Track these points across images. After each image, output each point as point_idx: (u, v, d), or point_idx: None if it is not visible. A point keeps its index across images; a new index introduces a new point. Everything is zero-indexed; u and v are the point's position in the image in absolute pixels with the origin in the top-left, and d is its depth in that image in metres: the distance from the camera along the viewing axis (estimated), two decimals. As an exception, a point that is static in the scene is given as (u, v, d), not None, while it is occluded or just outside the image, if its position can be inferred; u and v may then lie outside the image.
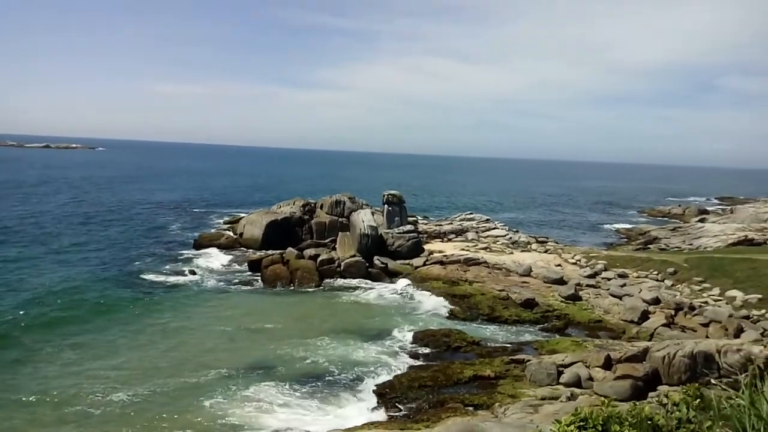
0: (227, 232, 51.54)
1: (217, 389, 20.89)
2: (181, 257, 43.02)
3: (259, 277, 37.67)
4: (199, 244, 46.99)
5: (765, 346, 23.97)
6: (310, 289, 36.09)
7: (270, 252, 41.61)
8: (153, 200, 77.49)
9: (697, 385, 3.96)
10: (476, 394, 20.94)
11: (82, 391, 20.29)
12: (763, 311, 29.07)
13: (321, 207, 49.67)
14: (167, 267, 39.68)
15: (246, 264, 40.62)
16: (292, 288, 36.31)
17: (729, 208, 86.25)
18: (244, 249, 45.82)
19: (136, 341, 25.77)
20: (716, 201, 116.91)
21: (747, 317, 28.75)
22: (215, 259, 43.00)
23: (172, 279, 36.69)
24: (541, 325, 30.10)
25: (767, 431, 3.16)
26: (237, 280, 37.27)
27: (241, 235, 47.90)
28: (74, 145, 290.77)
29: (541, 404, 18.82)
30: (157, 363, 23.28)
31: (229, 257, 43.55)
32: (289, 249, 41.08)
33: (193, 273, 38.25)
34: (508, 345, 26.75)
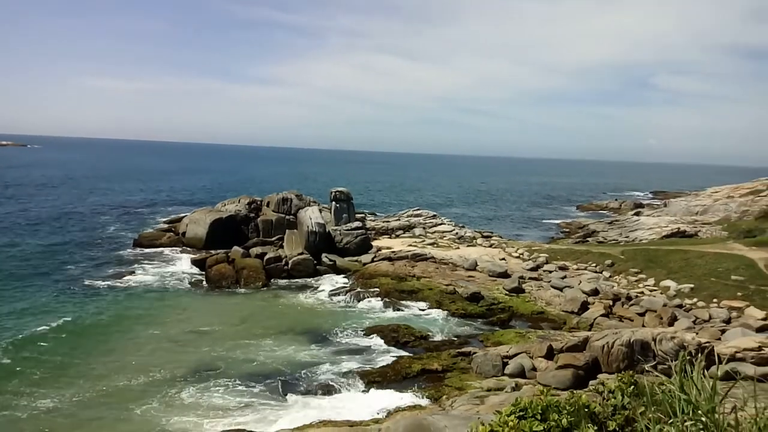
0: (169, 232, 50.06)
1: (153, 395, 20.22)
2: (120, 258, 41.52)
3: (204, 277, 36.82)
4: (140, 244, 45.52)
5: (697, 334, 25.24)
6: (256, 289, 35.53)
7: (214, 251, 40.74)
8: (91, 200, 74.48)
9: (631, 372, 4.10)
10: (424, 387, 21.16)
11: (7, 397, 19.32)
12: (695, 300, 30.60)
13: (267, 205, 48.97)
14: (105, 269, 38.21)
15: (190, 263, 39.63)
16: (238, 288, 35.65)
17: (662, 201, 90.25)
18: (188, 249, 44.66)
19: (70, 346, 24.68)
20: (650, 195, 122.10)
21: (680, 306, 30.19)
22: (157, 258, 41.74)
23: (110, 281, 35.34)
24: (487, 318, 30.68)
25: (696, 414, 3.29)
26: (179, 281, 36.28)
27: (183, 234, 46.64)
28: (4, 143, 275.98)
29: (486, 395, 19.19)
30: (91, 368, 22.41)
31: (172, 256, 42.35)
32: (235, 248, 40.31)
33: (132, 274, 36.99)
34: (455, 338, 27.14)
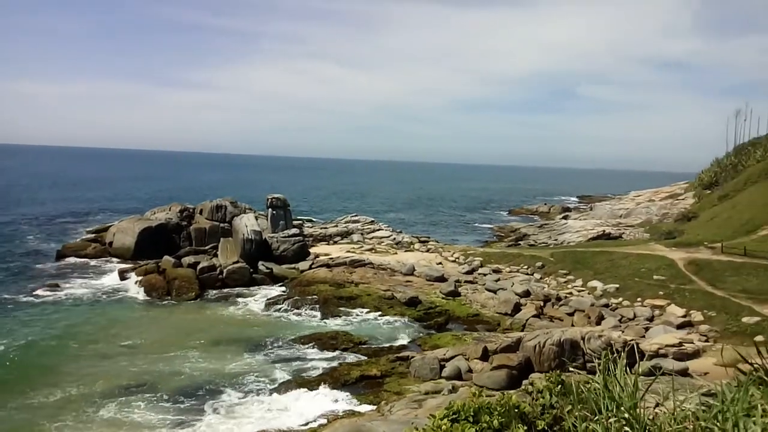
0: (95, 242, 47.78)
1: (69, 412, 19.16)
2: (42, 271, 39.31)
3: (132, 289, 35.36)
4: (63, 256, 43.25)
5: (623, 332, 26.44)
6: (189, 299, 34.42)
7: (144, 262, 39.24)
8: (11, 210, 70.07)
9: (558, 372, 4.22)
10: (363, 394, 21.11)
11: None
12: (620, 299, 32.06)
13: (200, 212, 47.65)
14: (25, 283, 36.05)
15: (118, 275, 37.99)
16: (170, 299, 34.45)
17: (589, 205, 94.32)
18: (115, 259, 42.80)
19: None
20: (577, 199, 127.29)
21: (606, 305, 31.55)
22: (82, 271, 39.76)
23: (30, 295, 33.36)
24: (424, 322, 30.98)
25: (619, 411, 3.41)
26: (106, 293, 34.68)
27: (110, 244, 44.68)
28: None
29: (425, 399, 19.34)
30: (6, 384, 21.08)
31: (98, 268, 40.47)
32: (166, 257, 38.96)
33: (54, 287, 35.05)
34: (394, 343, 27.24)
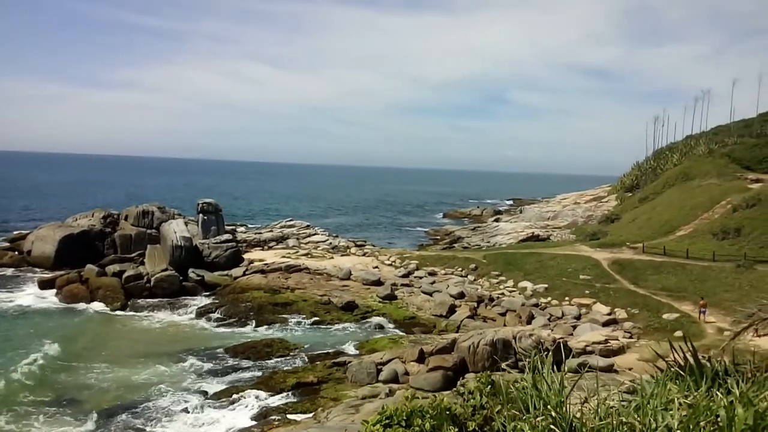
0: (11, 251, 44.94)
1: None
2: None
3: (53, 299, 33.49)
4: (-26, 266, 40.40)
5: (552, 330, 27.35)
6: (114, 310, 32.84)
7: (65, 271, 37.24)
8: None
9: (488, 372, 4.27)
10: (300, 401, 20.80)
11: None
12: (549, 299, 33.17)
13: (126, 218, 45.77)
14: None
15: (37, 285, 35.87)
16: (93, 309, 32.78)
17: (519, 208, 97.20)
18: (34, 269, 40.40)
19: None
20: (508, 202, 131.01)
21: (536, 305, 32.56)
22: (-5, 282, 37.29)
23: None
24: (361, 326, 30.94)
25: (546, 409, 3.48)
26: (23, 304, 32.61)
27: (28, 252, 42.16)
28: None
29: (362, 404, 19.27)
30: None
31: (15, 278, 38.08)
32: (89, 266, 37.16)
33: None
34: (331, 349, 27.03)
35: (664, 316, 28.47)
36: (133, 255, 41.48)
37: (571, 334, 27.60)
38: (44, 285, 35.63)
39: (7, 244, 48.42)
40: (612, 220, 57.29)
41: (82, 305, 33.01)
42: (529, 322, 29.98)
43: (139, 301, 34.40)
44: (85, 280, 35.52)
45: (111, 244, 43.07)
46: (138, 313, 32.51)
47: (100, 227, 44.07)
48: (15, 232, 54.61)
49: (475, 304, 33.20)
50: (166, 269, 37.31)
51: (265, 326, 30.36)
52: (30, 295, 34.34)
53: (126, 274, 35.98)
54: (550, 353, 4.06)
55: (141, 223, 44.64)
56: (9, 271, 39.82)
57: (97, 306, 33.09)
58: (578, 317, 30.50)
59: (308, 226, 56.58)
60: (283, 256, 44.10)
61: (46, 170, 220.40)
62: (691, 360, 4.00)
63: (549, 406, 3.45)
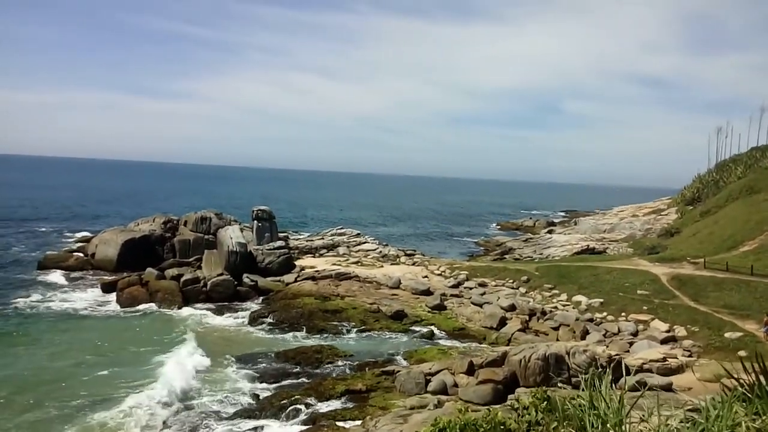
0: (77, 253, 47.21)
1: (65, 423, 18.87)
2: (24, 281, 38.70)
3: (114, 301, 34.92)
4: (44, 266, 42.61)
5: (607, 346, 26.54)
6: (172, 312, 34.00)
7: (126, 274, 38.77)
8: (-13, 219, 68.98)
9: (544, 388, 4.22)
10: (348, 408, 20.92)
11: None
12: (605, 314, 32.21)
13: (185, 224, 47.30)
14: (7, 292, 35.43)
15: (100, 287, 37.50)
16: (152, 311, 34.00)
17: (573, 220, 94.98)
18: (98, 271, 42.24)
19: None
20: (561, 214, 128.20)
21: (591, 320, 31.68)
22: (62, 282, 39.21)
23: (14, 305, 32.80)
24: (410, 336, 30.88)
25: (604, 428, 3.41)
26: (89, 305, 34.17)
27: (93, 255, 44.13)
28: None
29: (410, 414, 19.20)
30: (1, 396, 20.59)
31: (79, 280, 39.94)
32: (149, 269, 38.56)
33: (35, 299, 34.46)
34: (379, 357, 27.09)
35: (726, 334, 27.17)
36: (191, 259, 42.80)
37: (628, 351, 26.68)
38: (106, 287, 37.17)
39: (74, 247, 50.97)
40: (672, 234, 55.24)
41: (141, 307, 34.27)
42: (583, 338, 29.21)
43: (195, 304, 35.45)
44: (145, 282, 36.85)
45: (170, 249, 44.57)
46: (194, 316, 33.47)
47: (160, 232, 45.70)
48: (79, 235, 57.48)
49: (527, 317, 32.59)
50: (221, 274, 38.33)
51: (315, 332, 30.70)
52: (92, 297, 35.92)
53: (184, 278, 37.14)
54: (608, 370, 3.97)
55: (199, 229, 46.02)
56: (74, 273, 41.71)
57: (156, 308, 34.29)
58: (635, 334, 29.49)
59: (358, 234, 56.98)
60: (334, 264, 44.55)
61: (111, 176, 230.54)
62: (763, 380, 3.83)
63: (608, 425, 3.39)
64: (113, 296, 35.64)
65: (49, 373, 23.46)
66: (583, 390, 3.85)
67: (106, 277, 39.50)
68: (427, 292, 37.50)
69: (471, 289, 38.49)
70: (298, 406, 20.92)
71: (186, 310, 34.31)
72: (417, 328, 31.90)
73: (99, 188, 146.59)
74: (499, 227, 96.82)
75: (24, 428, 18.79)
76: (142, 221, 49.25)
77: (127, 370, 24.23)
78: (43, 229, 63.23)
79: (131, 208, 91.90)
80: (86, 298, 35.60)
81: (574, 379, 20.52)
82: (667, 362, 24.08)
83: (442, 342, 30.14)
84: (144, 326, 31.08)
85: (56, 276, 40.73)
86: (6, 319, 30.56)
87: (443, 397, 21.24)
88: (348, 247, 52.00)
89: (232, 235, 41.78)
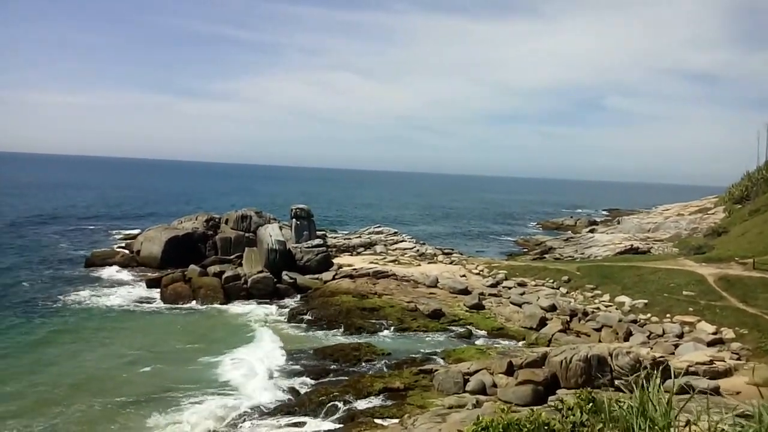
0: (122, 249, 48.71)
1: (118, 418, 19.49)
2: (71, 278, 40.10)
3: (159, 297, 35.87)
4: (92, 263, 44.09)
5: (651, 348, 25.89)
6: (214, 308, 34.75)
7: (170, 270, 39.77)
8: (37, 217, 71.72)
9: (589, 389, 4.15)
10: (386, 406, 20.98)
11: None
12: (649, 315, 31.42)
13: (226, 222, 48.23)
14: (54, 290, 36.73)
15: (144, 283, 38.60)
16: (195, 307, 34.81)
17: (615, 219, 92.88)
18: (142, 267, 43.47)
19: (25, 370, 23.56)
20: (604, 212, 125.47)
21: (635, 321, 30.94)
22: (109, 278, 40.50)
23: (62, 301, 34.06)
24: (448, 335, 30.76)
25: (653, 430, 3.34)
26: (134, 301, 35.19)
27: (138, 252, 45.44)
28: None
29: (448, 413, 19.13)
30: (51, 393, 21.39)
31: (125, 276, 41.18)
32: (192, 266, 39.45)
33: (83, 295, 35.70)
34: (417, 355, 27.08)
35: (779, 338, 26.16)
36: (231, 257, 43.62)
37: (672, 353, 25.96)
38: (151, 283, 38.21)
39: (120, 244, 52.65)
40: (719, 234, 53.44)
41: (184, 303, 35.12)
42: (626, 339, 28.56)
43: (236, 301, 36.13)
44: (188, 279, 37.72)
45: (212, 246, 45.52)
46: (235, 313, 34.13)
47: (202, 230, 46.72)
48: (125, 232, 59.30)
49: (568, 318, 32.05)
50: (261, 271, 38.95)
51: (353, 330, 30.88)
52: (138, 293, 36.96)
53: (225, 275, 37.88)
54: (657, 372, 3.88)
55: (240, 227, 46.85)
56: (120, 269, 43.05)
57: (198, 305, 35.08)
58: (680, 336, 28.66)
59: (396, 232, 57.05)
60: (371, 262, 44.72)
61: (154, 176, 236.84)
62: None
63: (656, 427, 3.32)
64: (157, 292, 36.59)
65: (99, 370, 24.25)
66: (630, 392, 3.77)
67: (150, 274, 40.58)
68: (465, 291, 37.29)
69: (510, 288, 38.08)
70: (337, 402, 21.09)
71: (227, 307, 35.05)
72: (454, 328, 31.75)
73: (144, 187, 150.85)
74: (539, 226, 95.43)
75: (73, 423, 19.46)
76: (185, 219, 50.46)
77: (173, 367, 24.88)
78: (91, 227, 65.42)
79: (175, 206, 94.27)
80: (132, 294, 36.68)
81: (616, 382, 20.10)
82: (714, 365, 23.33)
83: (480, 342, 29.94)
84: (188, 323, 31.85)
85: (103, 272, 42.09)
86: (55, 314, 31.69)
87: (482, 397, 21.09)
88: (385, 245, 52.12)
89: (272, 233, 42.40)
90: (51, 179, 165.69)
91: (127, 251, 47.45)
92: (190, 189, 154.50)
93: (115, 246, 51.56)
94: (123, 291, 37.31)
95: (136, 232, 55.48)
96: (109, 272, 42.19)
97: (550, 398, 19.94)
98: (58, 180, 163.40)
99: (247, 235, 46.00)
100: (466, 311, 34.30)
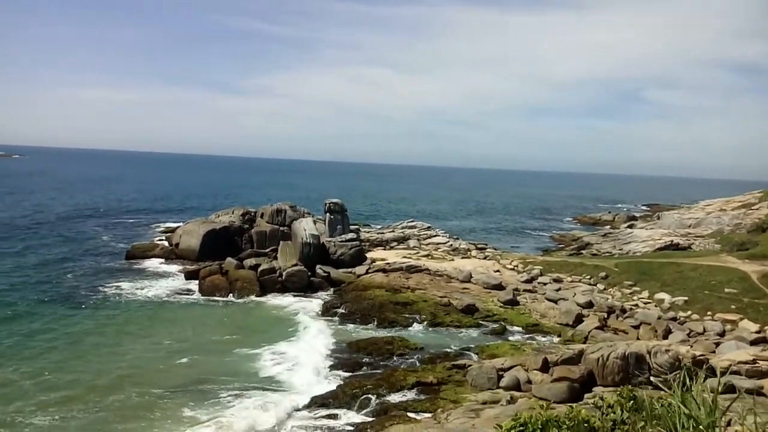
0: (162, 242, 49.87)
1: (157, 408, 20.01)
2: (112, 270, 41.23)
3: (197, 289, 36.62)
4: (132, 255, 45.25)
5: (691, 347, 25.27)
6: (250, 300, 35.33)
7: (208, 263, 40.53)
8: (80, 210, 73.97)
9: (630, 387, 4.08)
10: (419, 400, 21.02)
11: (6, 414, 19.07)
12: (689, 312, 30.66)
13: (261, 216, 48.85)
14: (96, 281, 37.79)
15: (183, 275, 39.45)
16: (231, 300, 35.43)
17: (655, 214, 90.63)
18: (181, 260, 44.42)
19: (69, 358, 24.43)
20: (643, 207, 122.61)
21: (674, 319, 30.23)
22: (149, 270, 41.53)
23: (101, 294, 35.03)
24: (481, 330, 30.58)
25: (697, 429, 3.27)
26: (173, 292, 36.02)
27: (177, 245, 46.42)
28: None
29: (482, 409, 19.07)
30: (93, 382, 22.06)
31: (164, 268, 42.15)
32: (229, 259, 40.14)
33: (124, 286, 36.69)
34: (450, 350, 27.02)
35: (828, 339, 25.21)
36: (267, 250, 44.17)
37: (713, 352, 25.27)
38: (189, 276, 39.02)
39: (159, 237, 53.93)
40: (763, 230, 51.63)
41: (221, 295, 35.77)
42: (665, 337, 27.93)
43: (271, 293, 36.63)
44: (225, 272, 38.39)
45: (248, 240, 46.19)
46: (271, 305, 34.62)
47: (239, 223, 47.45)
48: (165, 225, 60.67)
49: (605, 315, 31.50)
50: (296, 264, 39.36)
51: (386, 324, 30.97)
52: (176, 285, 37.80)
53: (261, 268, 38.42)
54: (701, 371, 3.80)
55: (275, 221, 47.41)
56: (159, 262, 44.07)
57: (235, 297, 35.68)
58: (722, 334, 27.89)
59: (429, 227, 56.86)
60: (404, 257, 44.70)
61: (192, 171, 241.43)
62: None
63: (700, 427, 3.25)
64: (195, 284, 37.35)
65: (139, 360, 24.96)
66: (673, 390, 3.70)
67: (188, 266, 41.44)
68: (499, 287, 36.97)
69: (545, 284, 37.62)
70: (370, 396, 21.23)
71: (263, 299, 35.58)
72: (488, 323, 31.55)
73: (182, 182, 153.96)
74: (575, 221, 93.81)
75: (112, 413, 20.07)
76: (222, 213, 51.31)
77: (212, 358, 25.42)
78: (132, 221, 67.13)
79: (212, 200, 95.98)
80: (170, 286, 37.53)
81: (655, 380, 19.69)
82: (757, 365, 22.62)
83: (514, 338, 29.68)
84: (226, 315, 32.47)
85: (143, 264, 43.16)
86: (98, 306, 32.58)
87: (516, 393, 20.96)
88: (418, 240, 52.03)
89: (306, 227, 42.78)
90: (94, 174, 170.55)
91: (166, 244, 48.55)
92: (228, 183, 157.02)
93: (155, 239, 52.85)
94: (162, 283, 38.22)
95: (175, 225, 56.66)
96: (149, 264, 43.25)
97: (587, 396, 19.68)
98: (101, 175, 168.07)
99: (281, 228, 46.53)
100: (500, 307, 34.04)
